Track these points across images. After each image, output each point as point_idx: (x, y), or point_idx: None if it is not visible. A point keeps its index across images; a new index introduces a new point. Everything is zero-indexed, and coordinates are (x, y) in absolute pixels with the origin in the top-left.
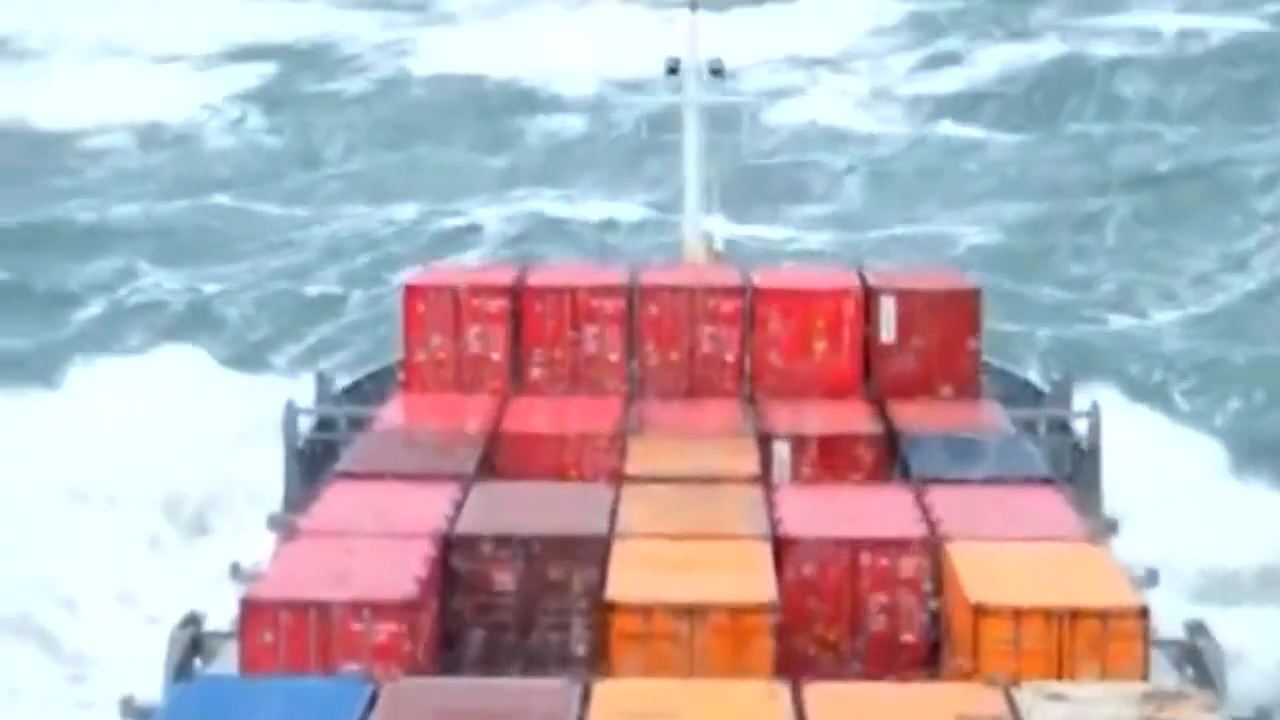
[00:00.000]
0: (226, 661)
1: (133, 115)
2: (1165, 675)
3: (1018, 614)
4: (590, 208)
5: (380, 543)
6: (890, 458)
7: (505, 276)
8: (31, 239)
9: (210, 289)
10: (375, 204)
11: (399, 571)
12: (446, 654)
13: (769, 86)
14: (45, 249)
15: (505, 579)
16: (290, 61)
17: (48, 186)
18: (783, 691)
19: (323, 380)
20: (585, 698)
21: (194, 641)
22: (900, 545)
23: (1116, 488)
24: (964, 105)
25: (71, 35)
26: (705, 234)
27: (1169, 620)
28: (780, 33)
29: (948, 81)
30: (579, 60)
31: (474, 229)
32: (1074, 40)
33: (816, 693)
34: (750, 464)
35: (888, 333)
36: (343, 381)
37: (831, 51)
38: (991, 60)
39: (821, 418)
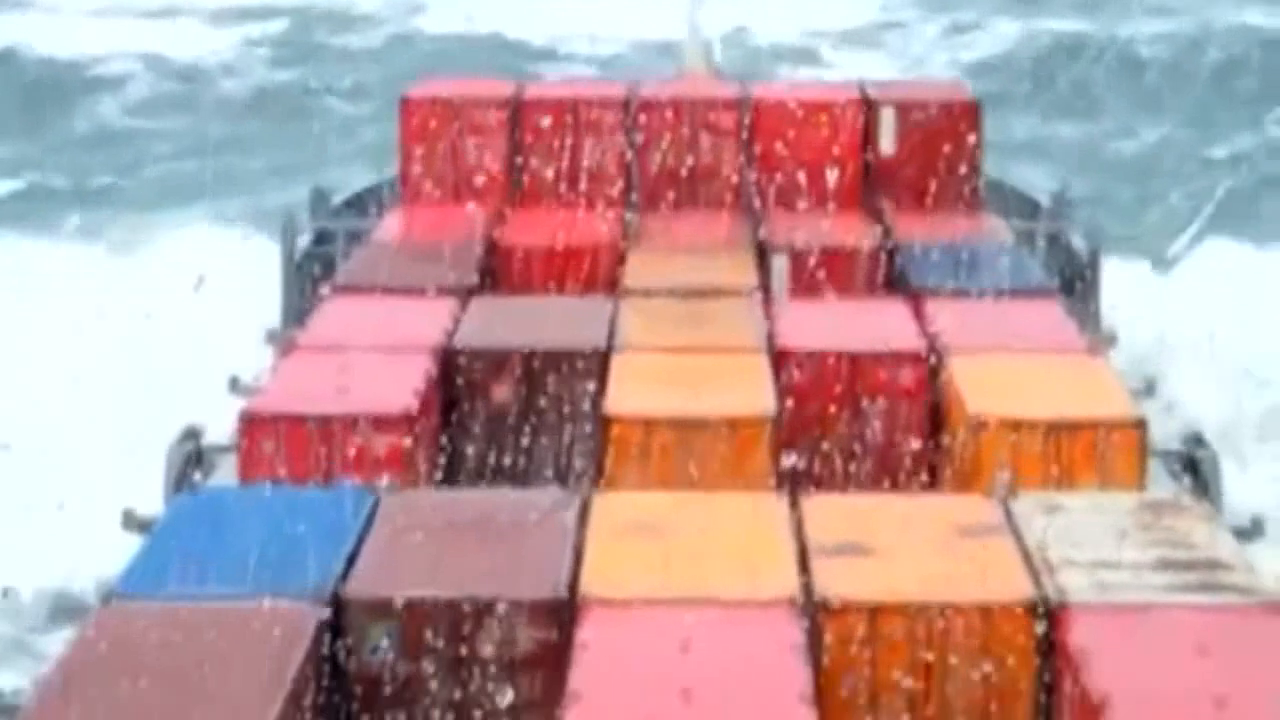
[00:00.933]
0: (226, 475)
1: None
2: (1163, 486)
3: (1016, 425)
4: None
5: (378, 356)
6: (889, 270)
7: (503, 89)
8: None
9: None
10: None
11: (397, 385)
12: (446, 467)
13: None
14: None
15: (504, 392)
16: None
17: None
18: (781, 503)
19: (319, 194)
20: (584, 509)
21: (193, 455)
22: (899, 357)
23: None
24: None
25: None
26: (704, 44)
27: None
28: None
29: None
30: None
31: None
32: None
33: (814, 504)
34: (749, 277)
35: (887, 144)
36: (341, 195)
37: (855, 24)
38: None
39: (820, 230)
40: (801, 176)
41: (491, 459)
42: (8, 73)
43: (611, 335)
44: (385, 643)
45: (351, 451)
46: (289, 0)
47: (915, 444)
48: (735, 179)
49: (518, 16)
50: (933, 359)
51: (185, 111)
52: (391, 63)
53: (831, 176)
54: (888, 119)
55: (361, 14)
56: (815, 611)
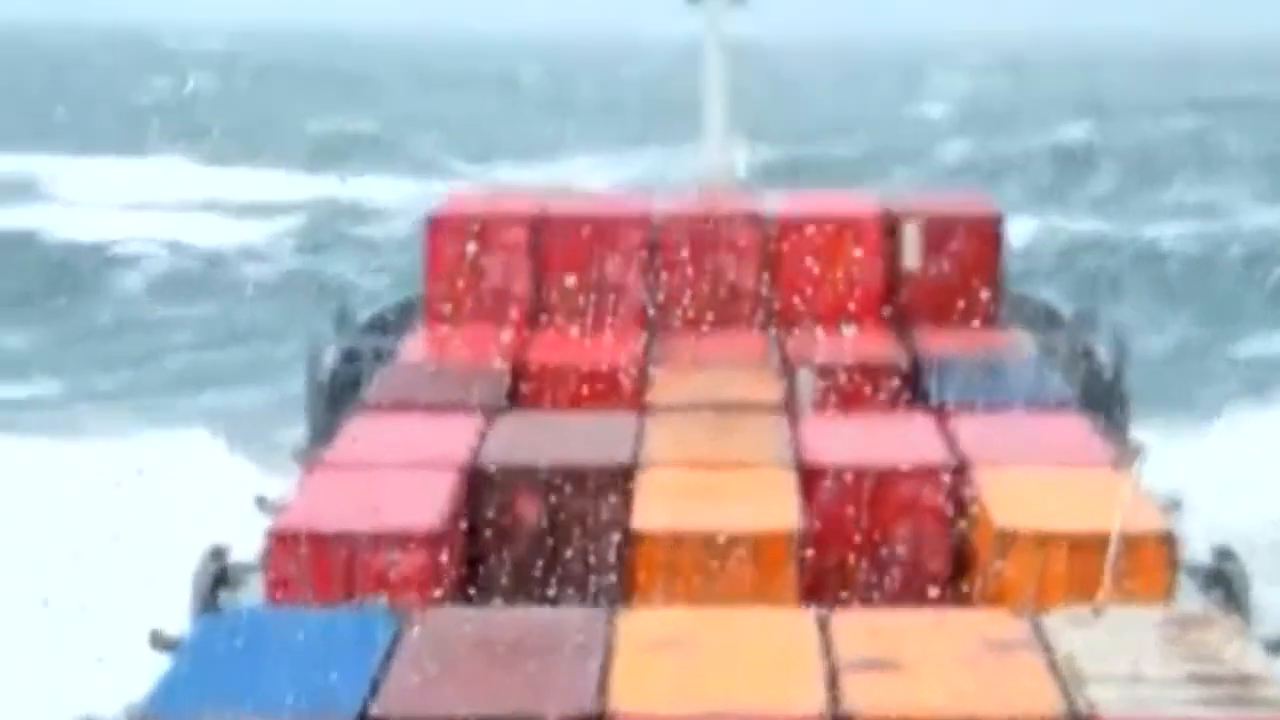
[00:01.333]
0: (252, 593)
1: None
2: (1192, 599)
3: (1043, 540)
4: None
5: (405, 474)
6: (914, 385)
7: (526, 206)
8: None
9: None
10: None
11: (423, 502)
12: (472, 585)
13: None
14: None
15: (530, 509)
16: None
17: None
18: (809, 619)
19: (344, 313)
20: (611, 626)
21: (220, 574)
22: (925, 472)
23: (1141, 413)
24: None
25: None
26: (728, 161)
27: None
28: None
29: None
30: None
31: None
32: None
33: (843, 620)
34: (774, 392)
35: (911, 259)
36: (365, 314)
37: None
38: None
39: (844, 346)
40: (825, 292)
41: (518, 576)
42: (31, 257)
43: (637, 451)
44: None
45: (378, 570)
46: (306, 194)
47: (941, 558)
48: (758, 295)
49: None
50: (958, 473)
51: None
52: (411, 248)
53: (855, 292)
54: (911, 234)
55: (375, 208)
56: None
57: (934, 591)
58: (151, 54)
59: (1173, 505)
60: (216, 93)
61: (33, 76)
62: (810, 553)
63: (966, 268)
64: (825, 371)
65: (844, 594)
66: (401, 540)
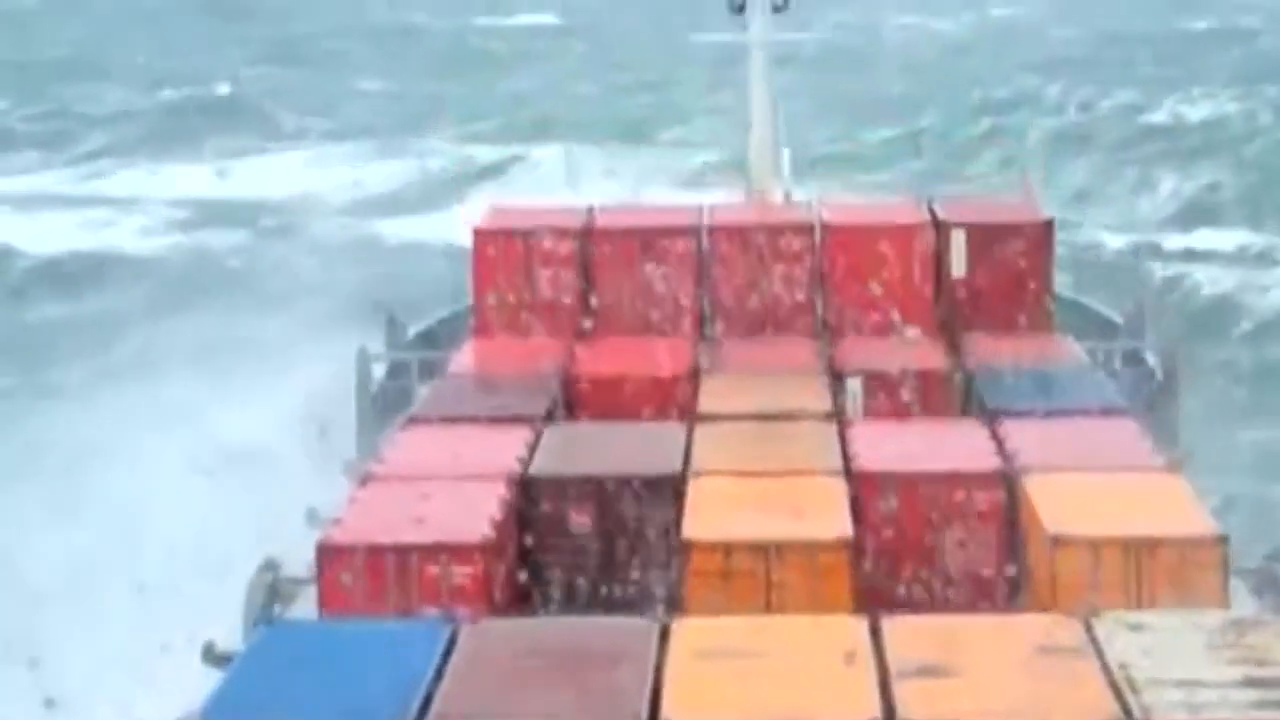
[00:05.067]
0: (305, 607)
1: None
2: (1245, 603)
3: (1095, 545)
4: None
5: (455, 485)
6: (963, 392)
7: (574, 219)
8: None
9: None
10: None
11: (474, 514)
12: (524, 595)
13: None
14: None
15: (581, 519)
16: None
17: None
18: (861, 627)
19: (394, 325)
20: (664, 636)
21: (272, 587)
22: (976, 479)
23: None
24: None
25: None
26: (776, 169)
27: (1247, 549)
28: None
29: None
30: None
31: None
32: None
33: (895, 627)
34: (823, 400)
35: (959, 267)
36: (415, 327)
37: None
38: None
39: (893, 353)
40: (874, 299)
41: (570, 586)
42: None
43: (687, 460)
44: None
45: (430, 581)
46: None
47: (994, 564)
48: (807, 304)
49: None
50: (1010, 479)
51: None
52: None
53: (904, 299)
54: (959, 241)
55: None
56: None
57: (987, 598)
58: None
59: (1226, 507)
60: None
61: None
62: (863, 560)
63: (1015, 274)
64: (874, 378)
65: (897, 601)
66: (453, 551)
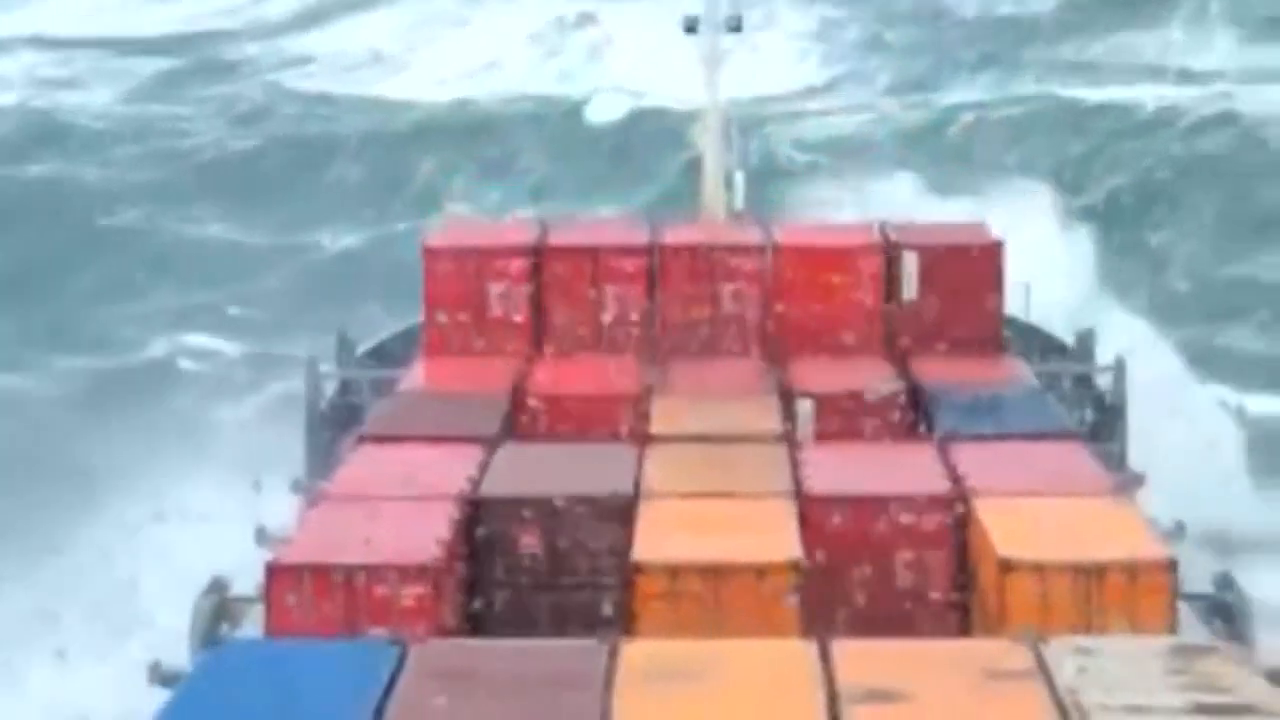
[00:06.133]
0: (252, 626)
1: None
2: (1194, 629)
3: (1044, 569)
4: None
5: (405, 506)
6: (913, 414)
7: (526, 236)
8: None
9: None
10: None
11: (424, 534)
12: (472, 616)
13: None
14: None
15: (530, 540)
16: None
17: None
18: (810, 650)
19: (344, 342)
20: (612, 658)
21: (220, 606)
22: (926, 502)
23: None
24: None
25: None
26: (728, 190)
27: (1196, 574)
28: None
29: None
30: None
31: None
32: None
33: (844, 650)
34: (773, 422)
35: (909, 289)
36: (365, 344)
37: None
38: None
39: (844, 375)
40: (824, 321)
41: (519, 607)
42: None
43: (637, 482)
44: None
45: (378, 602)
46: None
47: (943, 587)
48: (758, 325)
49: None
50: (959, 502)
51: None
52: None
53: (854, 321)
54: (910, 264)
55: None
56: None
57: (936, 621)
58: None
59: (1175, 532)
60: None
61: None
62: (810, 583)
63: (965, 297)
64: (825, 400)
65: (846, 624)
66: (402, 572)
